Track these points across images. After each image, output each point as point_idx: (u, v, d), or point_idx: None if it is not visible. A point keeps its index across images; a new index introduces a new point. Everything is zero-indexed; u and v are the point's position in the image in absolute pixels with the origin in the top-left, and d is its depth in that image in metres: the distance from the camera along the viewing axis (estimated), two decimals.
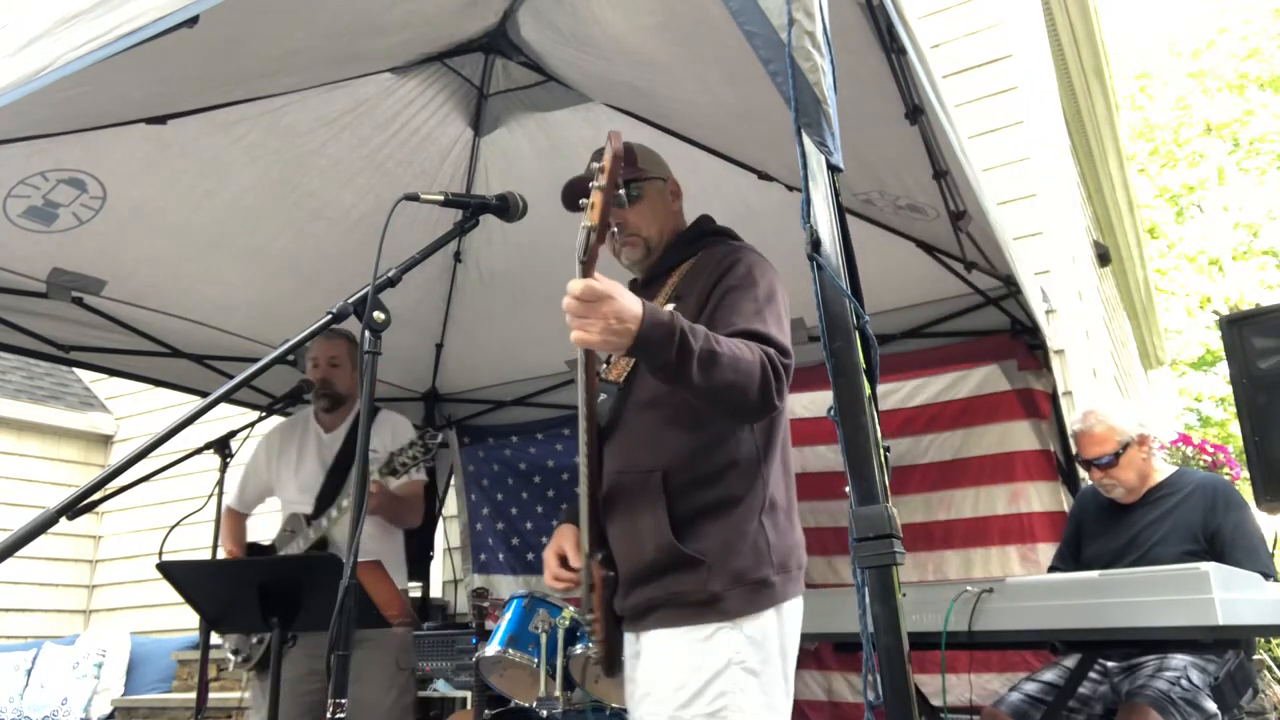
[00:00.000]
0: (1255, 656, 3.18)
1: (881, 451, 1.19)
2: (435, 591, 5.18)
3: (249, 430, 2.99)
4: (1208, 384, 16.28)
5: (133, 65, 2.02)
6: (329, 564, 2.34)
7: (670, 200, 1.93)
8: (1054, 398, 3.60)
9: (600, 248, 1.46)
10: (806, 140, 1.32)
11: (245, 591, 2.36)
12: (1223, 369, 12.23)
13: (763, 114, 2.25)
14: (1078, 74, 6.54)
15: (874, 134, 2.33)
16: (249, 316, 3.79)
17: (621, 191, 1.53)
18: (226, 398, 1.59)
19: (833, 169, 1.31)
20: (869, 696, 1.12)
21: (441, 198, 1.79)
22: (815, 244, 1.27)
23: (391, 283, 1.71)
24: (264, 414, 3.20)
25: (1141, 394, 9.12)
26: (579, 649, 2.80)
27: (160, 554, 2.49)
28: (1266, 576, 2.33)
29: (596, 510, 1.70)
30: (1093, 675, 2.75)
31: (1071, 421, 3.16)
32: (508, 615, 2.98)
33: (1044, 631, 2.21)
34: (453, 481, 5.00)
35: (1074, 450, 3.12)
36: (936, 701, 2.93)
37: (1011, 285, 3.29)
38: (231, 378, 1.89)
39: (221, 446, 2.89)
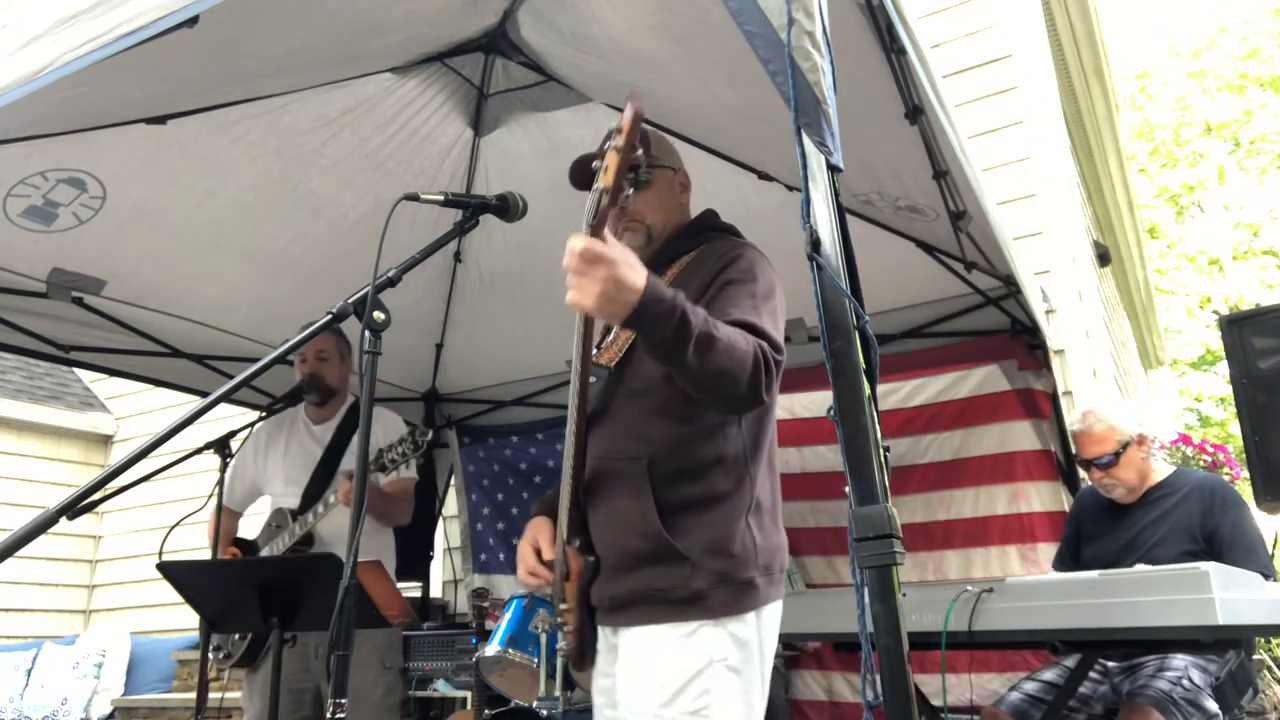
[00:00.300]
0: (1255, 656, 3.18)
1: (881, 451, 1.19)
2: (435, 591, 5.18)
3: (249, 430, 2.99)
4: (1208, 384, 16.27)
5: (133, 65, 2.02)
6: (329, 564, 2.33)
7: (678, 191, 1.91)
8: (1054, 398, 3.60)
9: (611, 211, 1.41)
10: (806, 140, 1.32)
11: (245, 591, 2.36)
12: (1223, 369, 12.23)
13: (763, 114, 2.26)
14: (1078, 74, 6.54)
15: (874, 134, 2.33)
16: (249, 316, 3.79)
17: (640, 151, 1.42)
18: (226, 398, 1.59)
19: (832, 169, 1.31)
20: (868, 696, 1.12)
21: (441, 198, 1.79)
22: (815, 244, 1.27)
23: (391, 283, 1.70)
24: (264, 414, 3.20)
25: (1141, 394, 9.12)
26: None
27: (160, 554, 2.49)
28: (1265, 576, 2.32)
29: (578, 495, 1.67)
30: (1093, 675, 2.75)
31: (1071, 421, 3.16)
32: (508, 615, 2.98)
33: (1044, 631, 2.21)
34: (453, 481, 5.01)
35: (1073, 450, 3.12)
36: (936, 701, 2.93)
37: (1011, 285, 3.29)
38: (231, 378, 1.89)
39: (221, 446, 2.88)
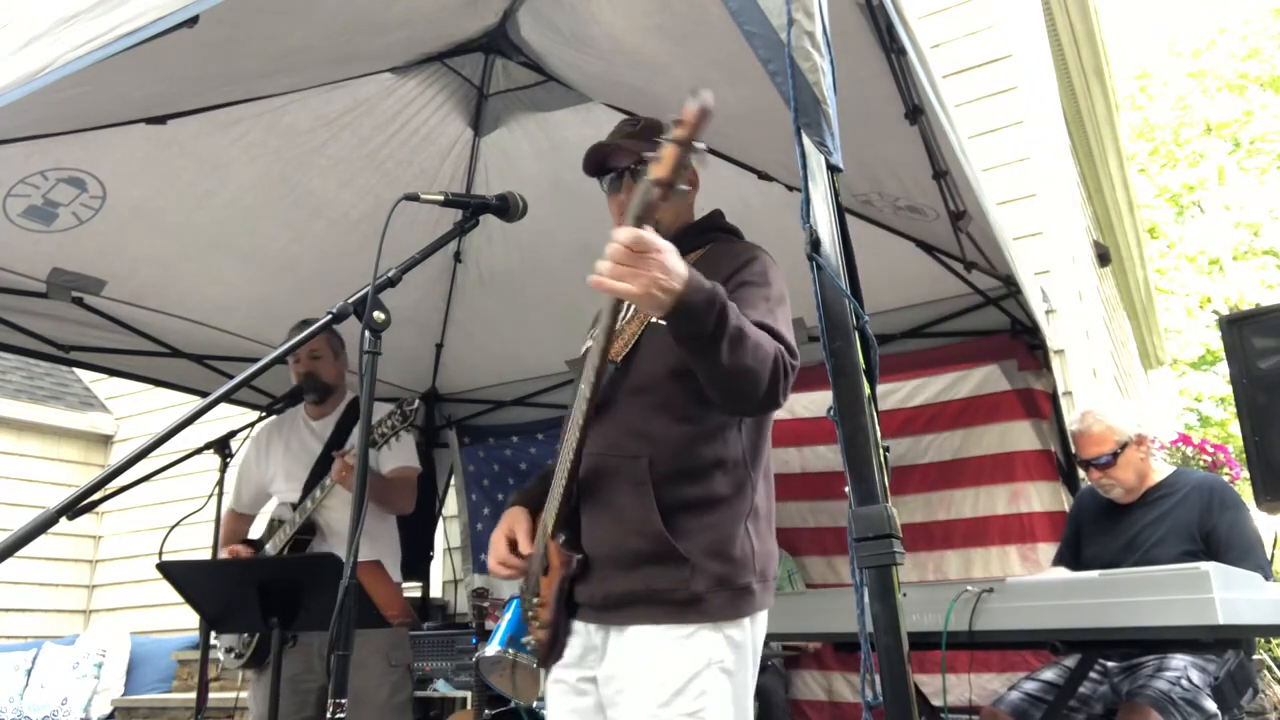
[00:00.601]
0: (1255, 656, 3.18)
1: (881, 451, 1.19)
2: (435, 591, 5.18)
3: (249, 430, 2.98)
4: (1208, 384, 16.27)
5: (133, 65, 2.02)
6: (329, 564, 2.33)
7: (688, 189, 1.90)
8: (1054, 398, 3.60)
9: (660, 206, 1.36)
10: (806, 140, 1.32)
11: (245, 591, 2.36)
12: (1223, 369, 12.22)
13: (762, 114, 2.25)
14: (1078, 74, 6.54)
15: (874, 134, 2.34)
16: (249, 316, 3.79)
17: (699, 144, 1.33)
18: (226, 398, 1.58)
19: (832, 169, 1.32)
20: (868, 696, 1.12)
21: (441, 198, 1.79)
22: (815, 244, 1.27)
23: (391, 283, 1.70)
24: (264, 414, 3.20)
25: (1141, 394, 9.12)
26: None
27: (160, 554, 2.49)
28: (1264, 577, 2.32)
29: (571, 490, 1.64)
30: (1093, 675, 2.75)
31: (1070, 421, 3.16)
32: (508, 615, 2.96)
33: (1044, 631, 2.21)
34: (453, 481, 5.01)
35: (1073, 450, 3.12)
36: (937, 701, 2.93)
37: (1011, 285, 3.29)
38: (231, 378, 1.88)
39: (221, 446, 2.88)
